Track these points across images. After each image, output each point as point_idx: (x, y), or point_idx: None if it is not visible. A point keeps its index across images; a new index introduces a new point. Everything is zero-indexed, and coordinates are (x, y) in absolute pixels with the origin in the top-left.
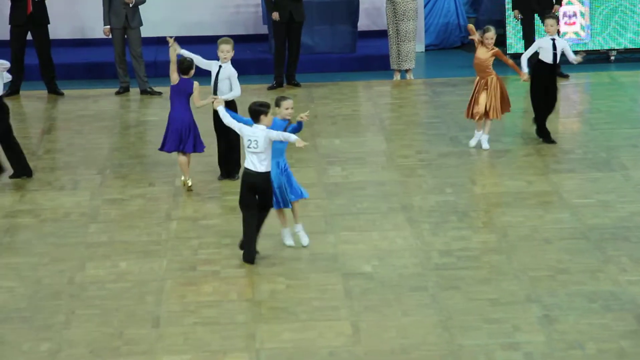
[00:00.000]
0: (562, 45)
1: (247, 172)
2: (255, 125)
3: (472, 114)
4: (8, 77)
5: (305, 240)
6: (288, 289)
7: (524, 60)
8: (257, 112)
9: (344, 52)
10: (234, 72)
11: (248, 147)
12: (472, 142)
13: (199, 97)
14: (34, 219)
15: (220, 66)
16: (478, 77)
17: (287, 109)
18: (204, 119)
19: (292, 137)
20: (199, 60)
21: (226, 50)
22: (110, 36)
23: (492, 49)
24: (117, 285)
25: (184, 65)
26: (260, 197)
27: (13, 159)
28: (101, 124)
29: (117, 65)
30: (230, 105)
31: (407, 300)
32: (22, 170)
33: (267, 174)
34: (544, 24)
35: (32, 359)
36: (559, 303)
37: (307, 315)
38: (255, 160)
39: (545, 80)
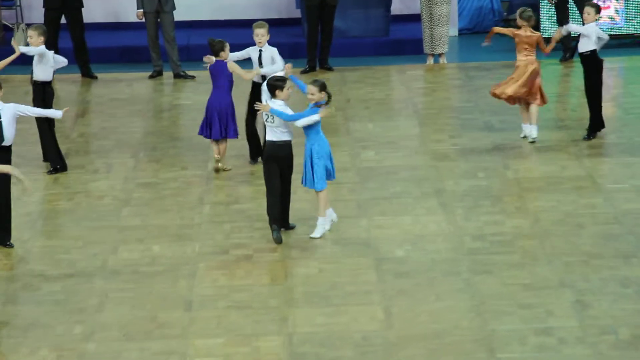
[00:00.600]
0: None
1: (269, 143)
2: (272, 100)
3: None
4: (64, 61)
5: (316, 232)
6: (321, 273)
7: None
8: (273, 87)
9: (377, 36)
10: (274, 49)
11: (266, 121)
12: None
13: (243, 71)
14: (68, 203)
15: (260, 50)
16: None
17: (310, 94)
18: (236, 104)
19: (314, 117)
20: (235, 56)
21: (261, 34)
22: (143, 20)
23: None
24: (150, 269)
25: (215, 48)
26: (282, 166)
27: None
28: (134, 107)
29: (150, 49)
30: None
31: (440, 284)
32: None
33: (289, 142)
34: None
35: (65, 342)
36: (592, 288)
37: (339, 300)
38: (276, 132)
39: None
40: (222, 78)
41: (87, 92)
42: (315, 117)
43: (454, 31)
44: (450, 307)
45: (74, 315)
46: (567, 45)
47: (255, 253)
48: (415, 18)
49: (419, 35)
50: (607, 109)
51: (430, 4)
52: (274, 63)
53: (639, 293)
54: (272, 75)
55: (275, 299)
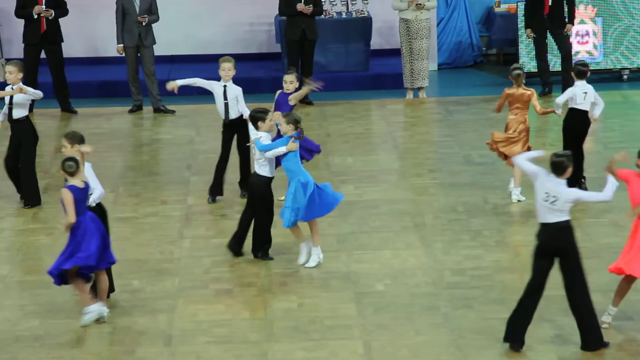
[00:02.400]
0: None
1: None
2: (255, 132)
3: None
4: (39, 94)
5: (312, 262)
6: (300, 308)
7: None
8: (254, 119)
9: (357, 70)
10: (239, 91)
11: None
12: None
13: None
14: (47, 237)
15: (225, 86)
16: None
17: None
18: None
19: (281, 148)
20: (200, 82)
21: (227, 68)
22: (123, 54)
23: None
24: (129, 304)
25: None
26: (249, 198)
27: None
28: (114, 142)
29: (130, 83)
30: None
31: (420, 319)
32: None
33: (262, 177)
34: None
35: None
36: (571, 323)
37: (319, 334)
38: (256, 165)
39: None
40: (285, 108)
41: (67, 127)
42: (281, 149)
43: (433, 66)
44: (430, 342)
45: (53, 351)
46: (546, 80)
47: (235, 287)
48: (395, 53)
49: (399, 69)
50: (586, 144)
51: (410, 39)
52: (238, 102)
53: (618, 328)
54: (254, 108)
55: (255, 334)
